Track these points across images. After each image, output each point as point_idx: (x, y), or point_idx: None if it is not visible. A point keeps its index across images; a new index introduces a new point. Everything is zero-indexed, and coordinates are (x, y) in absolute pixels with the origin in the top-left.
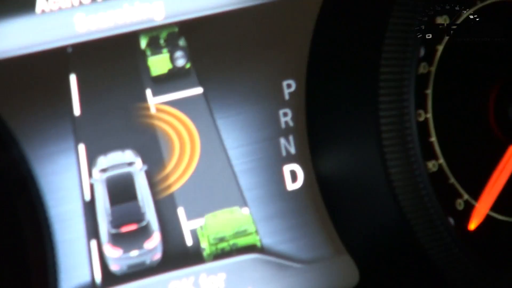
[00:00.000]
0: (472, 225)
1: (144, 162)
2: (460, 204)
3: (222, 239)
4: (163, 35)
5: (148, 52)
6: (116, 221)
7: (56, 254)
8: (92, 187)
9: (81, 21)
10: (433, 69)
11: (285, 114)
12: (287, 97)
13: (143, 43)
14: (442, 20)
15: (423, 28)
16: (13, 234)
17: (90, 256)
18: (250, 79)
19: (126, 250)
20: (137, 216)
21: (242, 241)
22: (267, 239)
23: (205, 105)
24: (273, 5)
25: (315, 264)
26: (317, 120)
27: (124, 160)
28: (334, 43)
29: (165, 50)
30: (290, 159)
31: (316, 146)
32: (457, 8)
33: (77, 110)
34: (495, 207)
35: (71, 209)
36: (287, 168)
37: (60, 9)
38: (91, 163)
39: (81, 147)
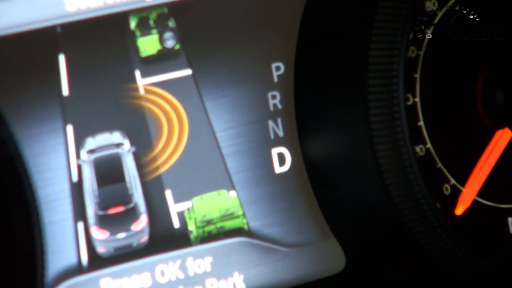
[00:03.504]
0: (459, 210)
1: (132, 143)
2: (447, 189)
3: (209, 222)
4: (153, 15)
5: (138, 33)
6: (104, 203)
7: (44, 236)
8: (79, 168)
9: (71, 0)
10: (421, 53)
11: (273, 97)
12: (276, 79)
13: (133, 23)
14: (431, 4)
15: (412, 12)
16: (0, 215)
17: (77, 238)
18: (239, 61)
19: (113, 232)
20: (125, 198)
21: (229, 224)
22: (254, 222)
23: (193, 86)
24: None
25: (302, 247)
26: (305, 103)
27: (112, 141)
28: (323, 26)
29: (154, 31)
30: (278, 142)
31: (304, 129)
32: None
33: (65, 91)
34: (482, 192)
35: (59, 190)
36: (275, 151)
37: None
38: (79, 144)
39: (69, 128)
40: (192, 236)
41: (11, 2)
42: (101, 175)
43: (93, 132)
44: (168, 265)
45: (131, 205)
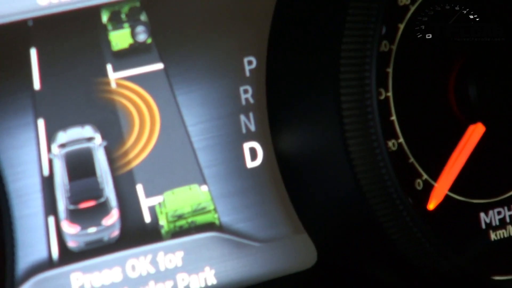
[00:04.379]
0: (431, 205)
1: (103, 137)
2: (419, 184)
3: (180, 217)
4: (125, 9)
5: (110, 27)
6: (75, 197)
7: (14, 230)
8: (51, 162)
9: None
10: (394, 47)
11: (245, 91)
12: (248, 74)
13: (105, 17)
14: None
15: (385, 6)
16: None
17: (47, 232)
18: (211, 56)
19: (84, 226)
20: (96, 192)
21: (200, 219)
22: (225, 217)
23: (165, 81)
24: None
25: (273, 242)
26: (277, 98)
27: (84, 135)
28: (295, 21)
29: (126, 25)
30: (250, 136)
31: (276, 123)
32: None
33: (37, 85)
34: (454, 187)
35: (30, 184)
36: (247, 146)
37: None
38: (50, 138)
39: (41, 122)
40: (163, 231)
41: None
42: (72, 169)
43: (65, 126)
44: (139, 260)
45: (102, 200)
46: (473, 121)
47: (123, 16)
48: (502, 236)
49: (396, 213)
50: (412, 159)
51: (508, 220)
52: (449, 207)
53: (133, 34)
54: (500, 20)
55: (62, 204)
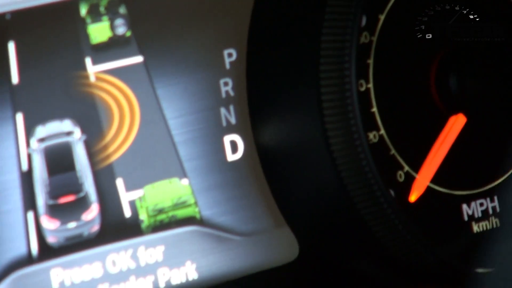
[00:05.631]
0: (413, 197)
1: (83, 131)
2: (400, 176)
3: (161, 211)
4: (104, 2)
5: (88, 20)
6: (54, 192)
7: None
8: (29, 157)
9: None
10: (374, 38)
11: (225, 84)
12: (228, 66)
13: (83, 10)
14: None
15: None
16: None
17: (26, 228)
18: (190, 48)
19: (64, 221)
20: (75, 187)
21: (181, 213)
22: (206, 210)
23: (145, 74)
24: None
25: (255, 236)
26: (258, 90)
27: (63, 129)
28: (275, 13)
29: (105, 18)
30: (230, 129)
31: (257, 116)
32: None
33: (15, 78)
34: (436, 179)
35: (8, 180)
36: (227, 139)
37: None
38: (29, 132)
39: (19, 116)
40: (143, 225)
41: None
42: (51, 164)
43: (43, 120)
44: (119, 255)
45: (82, 194)
46: (454, 112)
47: (101, 9)
48: (484, 228)
49: (378, 205)
50: (393, 151)
51: (490, 211)
52: (431, 199)
53: (112, 27)
54: (480, 13)
55: (41, 199)
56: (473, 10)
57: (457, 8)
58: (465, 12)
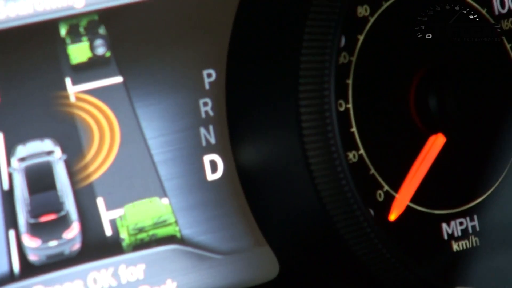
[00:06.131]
0: (393, 216)
1: (63, 151)
2: (380, 195)
3: (141, 230)
4: (83, 23)
5: (68, 40)
6: (35, 211)
7: None
8: (10, 176)
9: (0, 8)
10: (353, 59)
11: (205, 104)
12: (207, 86)
13: (63, 31)
14: (363, 10)
15: (343, 18)
16: None
17: (8, 246)
18: (170, 68)
19: (45, 240)
20: (56, 206)
21: (161, 232)
22: (186, 229)
23: (125, 94)
24: None
25: (235, 255)
26: (237, 110)
27: (43, 149)
28: (254, 33)
29: (85, 38)
30: (210, 149)
31: (236, 136)
32: None
33: None
34: (416, 198)
35: None
36: (207, 158)
37: None
38: (9, 152)
39: (0, 136)
40: (124, 244)
41: None
42: (32, 183)
43: (24, 139)
44: (100, 273)
45: (63, 213)
46: (434, 131)
47: (81, 29)
48: (464, 247)
49: (357, 225)
50: (373, 171)
51: (470, 230)
52: (411, 218)
53: (92, 48)
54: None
55: (22, 218)
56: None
57: (456, 8)
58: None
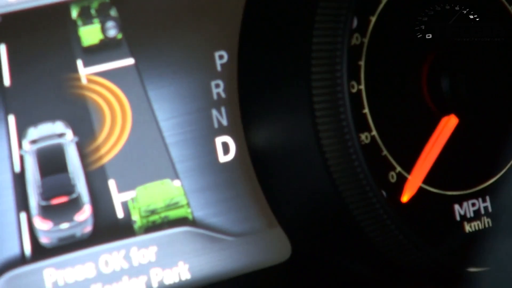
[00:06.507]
0: (405, 198)
1: (75, 133)
2: (392, 177)
3: (153, 212)
4: (94, 5)
5: (79, 22)
6: (46, 193)
7: None
8: (22, 158)
9: None
10: (366, 40)
11: (217, 86)
12: (219, 68)
13: (74, 13)
14: None
15: None
16: None
17: (19, 229)
18: (182, 50)
19: (56, 222)
20: (68, 188)
21: (173, 214)
22: (198, 211)
23: (136, 76)
24: None
25: (247, 237)
26: (249, 92)
27: (55, 131)
28: (266, 14)
29: (96, 20)
30: (222, 131)
31: (248, 118)
32: None
33: (7, 81)
34: (428, 179)
35: (1, 181)
36: (219, 140)
37: None
38: (21, 134)
39: (11, 118)
40: (136, 226)
41: None
42: (43, 165)
43: (35, 122)
44: (112, 255)
45: (74, 195)
46: (446, 113)
47: (92, 11)
48: (476, 228)
49: (370, 206)
50: (385, 152)
51: (482, 211)
52: (423, 199)
53: (103, 30)
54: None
55: (34, 200)
56: (472, 10)
57: (457, 8)
58: (465, 12)
